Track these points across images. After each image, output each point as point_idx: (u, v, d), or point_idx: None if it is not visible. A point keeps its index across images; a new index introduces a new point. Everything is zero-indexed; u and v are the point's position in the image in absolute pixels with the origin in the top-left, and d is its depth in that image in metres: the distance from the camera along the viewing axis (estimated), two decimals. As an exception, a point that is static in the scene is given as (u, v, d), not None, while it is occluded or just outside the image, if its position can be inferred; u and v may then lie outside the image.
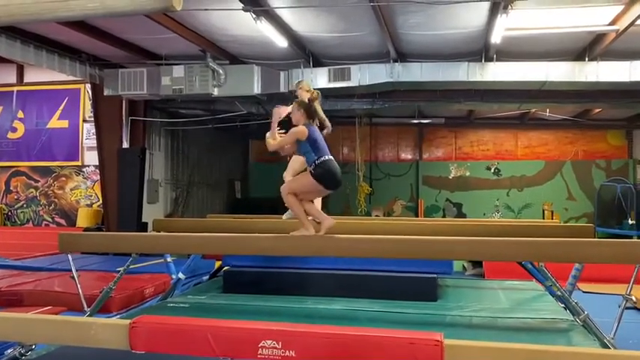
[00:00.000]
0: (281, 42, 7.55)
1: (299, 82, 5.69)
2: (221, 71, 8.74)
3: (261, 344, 2.95)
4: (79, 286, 4.61)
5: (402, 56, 8.53)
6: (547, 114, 11.97)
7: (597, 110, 11.79)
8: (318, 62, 8.82)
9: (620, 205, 12.09)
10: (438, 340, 2.79)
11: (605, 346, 3.96)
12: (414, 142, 15.05)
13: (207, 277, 7.26)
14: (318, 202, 5.05)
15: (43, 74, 13.66)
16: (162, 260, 6.55)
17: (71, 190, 14.94)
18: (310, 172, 3.98)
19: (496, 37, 6.94)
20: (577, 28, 6.83)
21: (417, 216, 14.19)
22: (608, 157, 14.00)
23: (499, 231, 5.29)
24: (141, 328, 3.10)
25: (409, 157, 15.13)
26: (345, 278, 5.82)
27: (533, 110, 11.78)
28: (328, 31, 7.68)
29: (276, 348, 2.95)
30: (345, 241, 4.21)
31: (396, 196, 14.82)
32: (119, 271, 7.36)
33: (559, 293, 5.01)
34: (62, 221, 14.91)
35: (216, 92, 8.87)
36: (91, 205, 14.69)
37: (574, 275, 5.21)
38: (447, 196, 14.61)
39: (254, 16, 6.47)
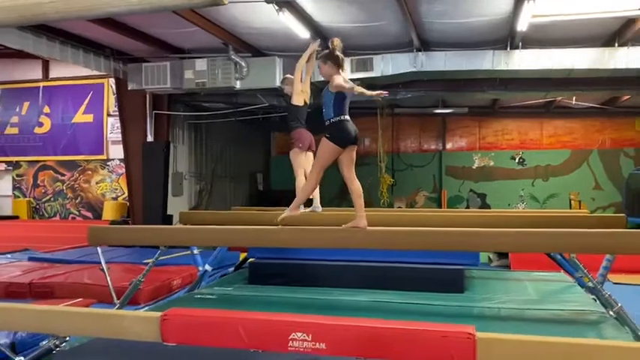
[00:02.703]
0: (303, 33, 7.52)
1: (284, 78, 5.60)
2: (243, 64, 8.75)
3: (291, 336, 2.95)
4: (108, 278, 4.67)
5: (425, 45, 8.42)
6: (573, 102, 11.73)
7: (625, 97, 11.50)
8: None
9: (650, 194, 11.81)
10: (470, 333, 2.76)
11: (639, 339, 3.88)
12: (436, 132, 14.90)
13: (233, 268, 7.31)
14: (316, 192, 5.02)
15: (68, 70, 13.87)
16: (188, 252, 6.62)
17: (97, 183, 15.19)
18: (325, 135, 3.87)
19: (522, 25, 6.80)
20: (607, 13, 6.64)
21: (439, 207, 14.09)
22: (636, 145, 13.68)
23: (529, 222, 5.21)
24: (172, 320, 3.12)
25: (432, 147, 15.00)
26: (371, 270, 5.79)
27: (559, 98, 11.55)
28: (350, 22, 7.62)
29: (306, 340, 2.94)
30: (372, 233, 4.20)
31: (418, 187, 14.72)
32: (146, 263, 7.50)
33: (590, 285, 4.91)
34: (88, 214, 15.18)
35: (238, 85, 8.88)
36: (116, 198, 14.93)
37: (605, 266, 5.10)
38: (471, 187, 14.45)
39: (276, 7, 6.44)
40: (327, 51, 3.98)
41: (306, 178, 4.97)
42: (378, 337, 2.89)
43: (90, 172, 15.19)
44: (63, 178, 15.40)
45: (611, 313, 4.02)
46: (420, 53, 8.36)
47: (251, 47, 8.87)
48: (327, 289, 5.55)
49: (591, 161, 13.79)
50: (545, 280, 6.41)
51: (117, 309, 4.73)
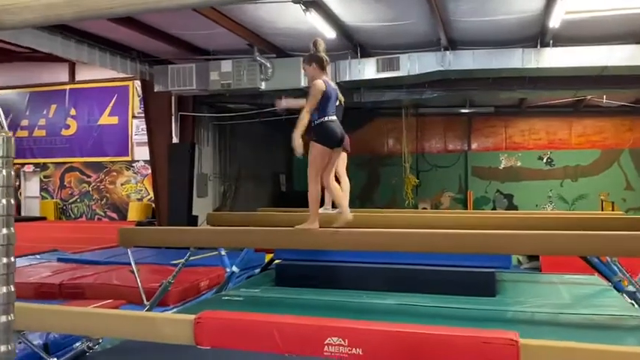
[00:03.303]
0: (329, 33, 7.46)
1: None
2: (268, 65, 8.74)
3: (327, 341, 2.88)
4: (138, 280, 4.67)
5: (453, 44, 8.30)
6: (604, 100, 11.45)
7: (657, 95, 11.21)
8: (365, 53, 8.69)
9: (684, 195, 11.50)
10: (513, 340, 2.66)
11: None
12: (461, 132, 14.70)
13: (259, 270, 7.28)
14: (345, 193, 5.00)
15: (94, 72, 14.05)
16: (214, 253, 6.61)
17: (122, 184, 15.36)
18: (312, 139, 3.91)
19: (555, 21, 6.64)
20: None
21: (465, 208, 13.90)
22: (669, 144, 13.33)
23: (565, 224, 5.09)
24: (206, 323, 3.09)
25: (457, 147, 14.79)
26: (400, 272, 5.70)
27: (589, 97, 11.29)
28: (377, 21, 7.54)
29: (342, 345, 2.87)
30: (406, 236, 4.14)
31: (443, 187, 14.54)
32: (173, 264, 7.52)
33: (631, 289, 4.75)
34: (114, 215, 15.35)
35: (263, 86, 8.87)
36: (141, 199, 15.08)
37: (645, 270, 4.95)
38: (498, 188, 14.22)
39: (303, 7, 6.40)
40: (311, 53, 3.95)
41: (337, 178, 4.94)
42: (417, 343, 2.81)
43: (115, 174, 15.37)
44: (89, 179, 15.61)
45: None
46: (447, 52, 8.24)
47: (276, 48, 8.85)
48: (355, 291, 5.48)
49: (622, 161, 13.46)
50: (579, 284, 6.24)
51: (147, 310, 4.74)
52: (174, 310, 5.32)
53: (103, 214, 15.56)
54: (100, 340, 3.42)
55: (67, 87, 15.59)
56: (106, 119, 15.49)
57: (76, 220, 15.49)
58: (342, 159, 5.66)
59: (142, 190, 15.21)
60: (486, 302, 5.14)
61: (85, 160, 15.62)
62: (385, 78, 8.42)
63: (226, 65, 8.89)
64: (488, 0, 6.57)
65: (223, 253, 6.13)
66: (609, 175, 13.50)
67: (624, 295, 5.32)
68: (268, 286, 6.00)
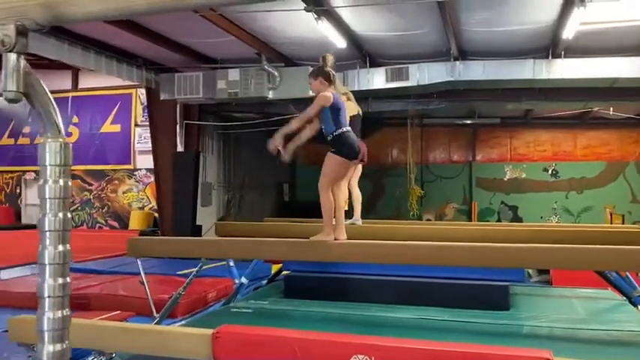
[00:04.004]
0: (340, 42, 7.41)
1: None
2: (276, 73, 8.68)
3: (352, 359, 2.78)
4: (148, 291, 4.56)
5: (463, 54, 8.25)
6: (610, 112, 11.39)
7: (665, 108, 11.16)
8: (374, 62, 8.63)
9: (692, 208, 11.43)
10: (547, 359, 2.57)
11: None
12: (466, 143, 14.64)
13: (266, 281, 7.16)
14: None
15: (97, 80, 13.99)
16: (222, 263, 6.49)
17: (123, 193, 15.24)
18: (330, 150, 3.90)
19: (569, 32, 6.59)
20: (657, 20, 6.41)
21: (469, 219, 13.80)
22: (675, 157, 13.28)
23: (581, 237, 4.99)
24: (224, 338, 2.99)
25: (462, 158, 14.72)
26: (411, 285, 5.57)
27: (596, 109, 11.24)
28: (387, 30, 7.49)
29: (368, 363, 2.77)
30: (418, 248, 4.06)
31: (448, 198, 14.44)
32: (180, 274, 7.42)
33: (652, 304, 4.66)
34: (115, 224, 15.22)
35: (271, 95, 8.81)
36: (142, 208, 14.95)
37: (665, 285, 4.86)
38: (502, 199, 14.14)
39: (315, 15, 6.34)
40: (318, 67, 3.96)
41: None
42: (446, 361, 2.71)
43: (117, 182, 15.25)
44: (90, 187, 15.49)
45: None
46: (457, 62, 8.19)
47: (284, 57, 8.80)
48: (366, 304, 5.35)
49: (628, 174, 13.39)
50: (594, 298, 6.12)
51: (157, 322, 4.63)
52: (183, 322, 5.20)
53: (104, 222, 15.43)
54: (114, 355, 3.31)
55: (70, 94, 15.49)
56: (109, 127, 15.40)
57: (77, 229, 15.33)
58: (357, 170, 5.59)
59: (143, 199, 15.09)
60: (501, 316, 5.01)
61: (87, 168, 15.49)
62: (394, 88, 8.36)
63: (234, 74, 8.83)
64: (502, 11, 6.52)
65: (232, 264, 6.03)
66: (615, 187, 13.43)
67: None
68: (277, 298, 5.88)
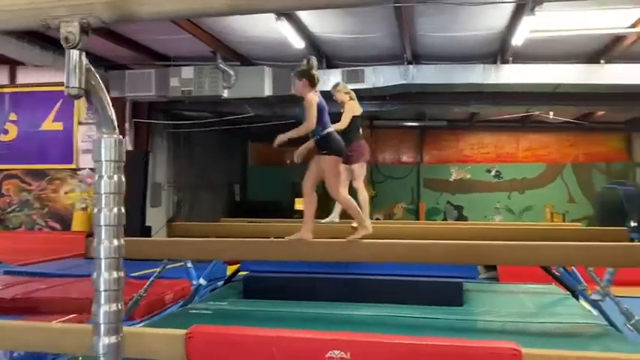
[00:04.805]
0: (298, 43, 7.44)
1: (336, 85, 5.74)
2: (232, 72, 8.60)
3: (328, 354, 2.83)
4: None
5: (417, 58, 8.46)
6: (550, 117, 11.99)
7: (600, 113, 11.84)
8: (330, 64, 8.72)
9: (622, 208, 12.14)
10: (516, 349, 2.71)
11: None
12: (415, 144, 15.01)
13: (222, 282, 7.10)
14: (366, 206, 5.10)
15: (36, 76, 13.36)
16: (179, 264, 6.37)
17: (65, 193, 14.61)
18: (321, 153, 3.99)
19: (518, 39, 6.90)
20: (598, 30, 6.81)
21: (417, 219, 14.15)
22: (608, 160, 14.09)
23: (528, 234, 5.26)
24: (198, 338, 2.96)
25: (410, 159, 15.09)
26: (370, 283, 5.71)
27: (537, 113, 11.79)
28: (345, 33, 7.59)
29: (344, 358, 2.83)
30: (383, 246, 4.15)
31: (397, 199, 14.75)
32: (133, 276, 7.23)
33: (597, 298, 4.95)
34: (56, 225, 14.57)
35: (225, 94, 8.73)
36: (85, 209, 14.39)
37: (608, 279, 5.16)
38: (448, 199, 14.59)
39: (276, 15, 6.35)
40: (303, 68, 4.03)
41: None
42: (420, 355, 2.79)
43: (58, 182, 14.60)
44: (30, 187, 14.76)
45: (628, 325, 4.05)
46: (410, 66, 8.39)
47: (239, 56, 8.74)
48: (326, 303, 5.43)
49: (565, 175, 14.12)
50: (540, 293, 6.43)
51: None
52: (142, 324, 5.08)
53: (44, 224, 14.74)
54: (79, 357, 3.21)
55: (7, 90, 14.74)
56: (50, 125, 14.68)
57: (15, 231, 14.60)
58: (362, 170, 5.67)
59: (86, 200, 14.53)
60: (456, 312, 5.20)
61: (26, 168, 14.75)
62: (350, 89, 8.45)
63: (187, 72, 8.69)
64: (456, 17, 6.74)
65: (190, 265, 5.94)
66: (553, 188, 14.13)
67: (585, 303, 5.54)
68: (236, 299, 5.85)
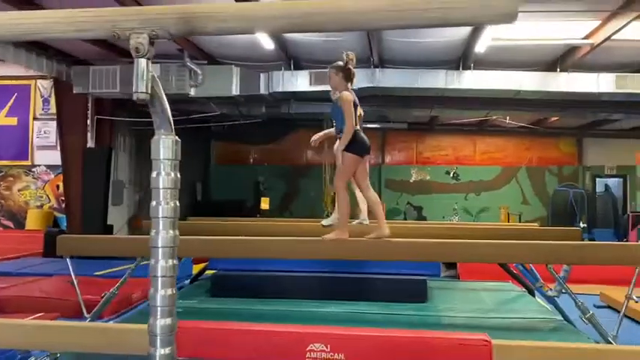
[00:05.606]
0: (268, 44, 7.51)
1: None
2: (199, 71, 8.57)
3: (309, 347, 2.94)
4: (78, 290, 4.39)
5: (383, 62, 8.66)
6: (507, 121, 12.45)
7: (553, 119, 12.38)
8: (298, 66, 8.82)
9: (573, 210, 12.76)
10: (486, 340, 2.88)
11: (609, 343, 4.18)
12: (376, 146, 15.25)
13: (188, 281, 7.09)
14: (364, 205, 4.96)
15: (-13, 69, 12.92)
16: (145, 262, 6.30)
17: (19, 190, 14.17)
18: (344, 149, 3.90)
19: (481, 47, 7.18)
20: (555, 40, 7.17)
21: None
22: (560, 163, 14.74)
23: (489, 234, 5.47)
24: (183, 332, 3.00)
25: (372, 160, 15.31)
26: (338, 281, 5.82)
27: (494, 117, 12.23)
28: (313, 35, 7.69)
29: (324, 351, 2.94)
30: (357, 243, 4.26)
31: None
32: (96, 275, 7.15)
33: (553, 294, 5.23)
34: (9, 223, 14.11)
35: (192, 92, 8.68)
36: (41, 207, 13.99)
37: (563, 277, 5.45)
38: (408, 200, 14.92)
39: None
40: (340, 63, 4.04)
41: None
42: (397, 347, 2.94)
43: (12, 179, 14.14)
44: (-19, 184, 14.26)
45: (584, 319, 4.31)
46: (377, 70, 8.58)
47: (207, 55, 8.73)
48: (295, 300, 5.51)
49: (520, 178, 14.69)
50: (498, 290, 6.71)
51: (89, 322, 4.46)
52: (112, 322, 5.05)
53: (-4, 222, 14.27)
54: (58, 355, 3.20)
55: (-44, 83, 14.17)
56: (3, 120, 14.21)
57: (-35, 229, 14.05)
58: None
59: (42, 197, 14.11)
60: (420, 308, 5.38)
61: (-23, 164, 14.24)
62: (317, 91, 8.59)
63: (154, 70, 8.58)
64: (422, 23, 6.94)
65: (159, 263, 5.92)
66: (509, 190, 14.67)
67: (542, 299, 5.84)
68: (204, 297, 5.87)
